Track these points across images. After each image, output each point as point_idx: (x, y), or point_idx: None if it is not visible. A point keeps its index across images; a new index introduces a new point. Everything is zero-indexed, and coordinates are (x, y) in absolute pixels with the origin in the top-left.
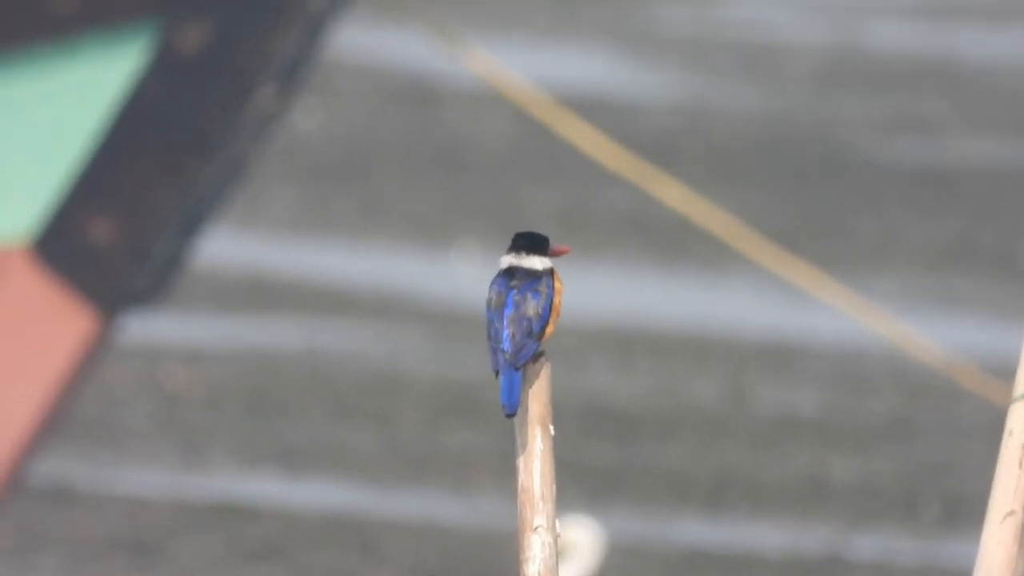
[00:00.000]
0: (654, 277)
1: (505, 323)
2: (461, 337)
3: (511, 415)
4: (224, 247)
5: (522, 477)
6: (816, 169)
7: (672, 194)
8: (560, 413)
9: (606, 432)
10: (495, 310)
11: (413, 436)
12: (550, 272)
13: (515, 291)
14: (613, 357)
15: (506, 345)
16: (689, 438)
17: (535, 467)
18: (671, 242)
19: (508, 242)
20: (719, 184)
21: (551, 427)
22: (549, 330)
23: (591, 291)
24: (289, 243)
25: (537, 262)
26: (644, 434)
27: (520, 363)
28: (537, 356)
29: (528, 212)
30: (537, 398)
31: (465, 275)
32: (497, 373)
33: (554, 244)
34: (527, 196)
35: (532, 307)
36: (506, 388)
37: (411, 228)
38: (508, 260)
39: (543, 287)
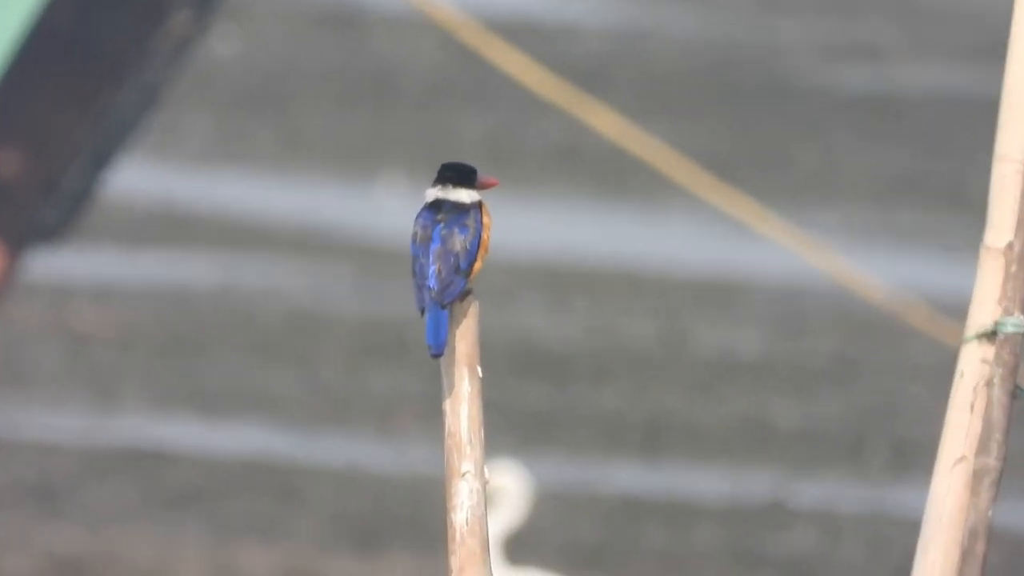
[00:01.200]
0: (588, 211)
1: (431, 259)
2: (385, 273)
3: (437, 356)
4: (136, 179)
5: (449, 421)
6: (757, 96)
7: (606, 123)
8: (489, 354)
9: (537, 374)
10: (420, 245)
11: (336, 377)
12: (478, 205)
13: (441, 225)
14: (545, 295)
15: (432, 282)
16: (624, 380)
17: (462, 410)
18: (605, 174)
19: (434, 174)
20: (656, 112)
21: (479, 369)
22: (477, 266)
23: (522, 226)
24: (205, 175)
25: (464, 195)
26: (577, 376)
27: (447, 301)
28: (465, 294)
29: (456, 142)
30: (464, 338)
31: (390, 208)
32: (423, 311)
33: (482, 176)
34: (455, 125)
35: (459, 242)
36: (432, 327)
37: (333, 159)
38: (434, 193)
39: (471, 221)
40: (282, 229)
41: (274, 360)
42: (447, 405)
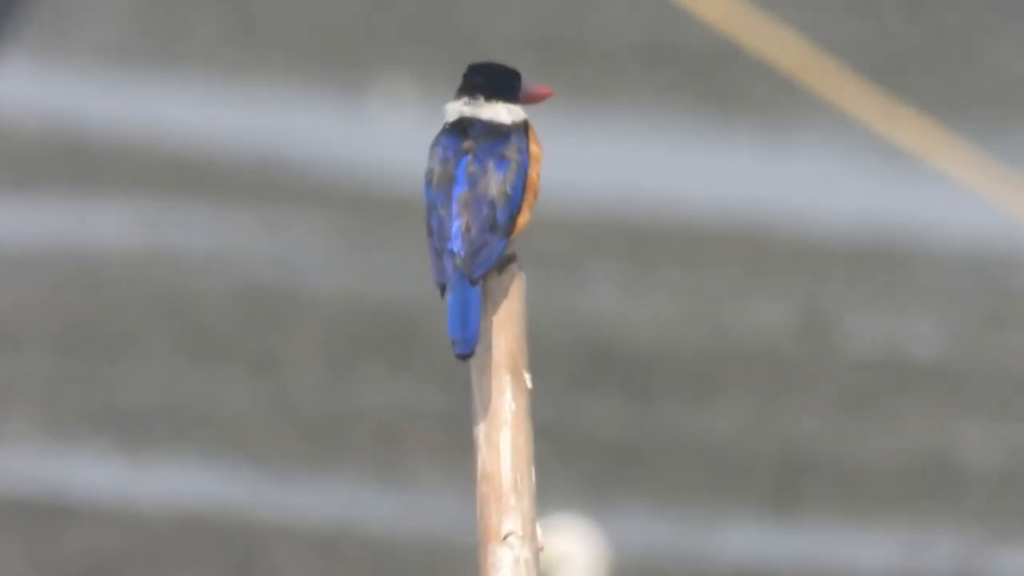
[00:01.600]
0: (683, 137)
1: (454, 209)
2: (383, 231)
3: (465, 356)
4: (21, 90)
5: (483, 456)
6: None
7: (710, 6)
8: (542, 354)
9: (612, 384)
10: (439, 188)
11: (311, 388)
12: (523, 128)
13: (469, 157)
14: (622, 265)
15: (457, 244)
16: (741, 394)
17: (503, 440)
18: (709, 81)
19: (457, 80)
20: None
21: (527, 376)
22: (523, 220)
23: (587, 159)
24: (120, 84)
25: (503, 111)
26: (671, 387)
27: (479, 272)
28: (505, 262)
29: (488, 37)
30: (505, 329)
31: (389, 131)
32: (443, 289)
33: (528, 84)
34: (486, 13)
35: (497, 183)
36: (457, 313)
37: (305, 61)
38: (458, 108)
39: (512, 151)
40: (232, 165)
41: (223, 361)
42: (480, 431)
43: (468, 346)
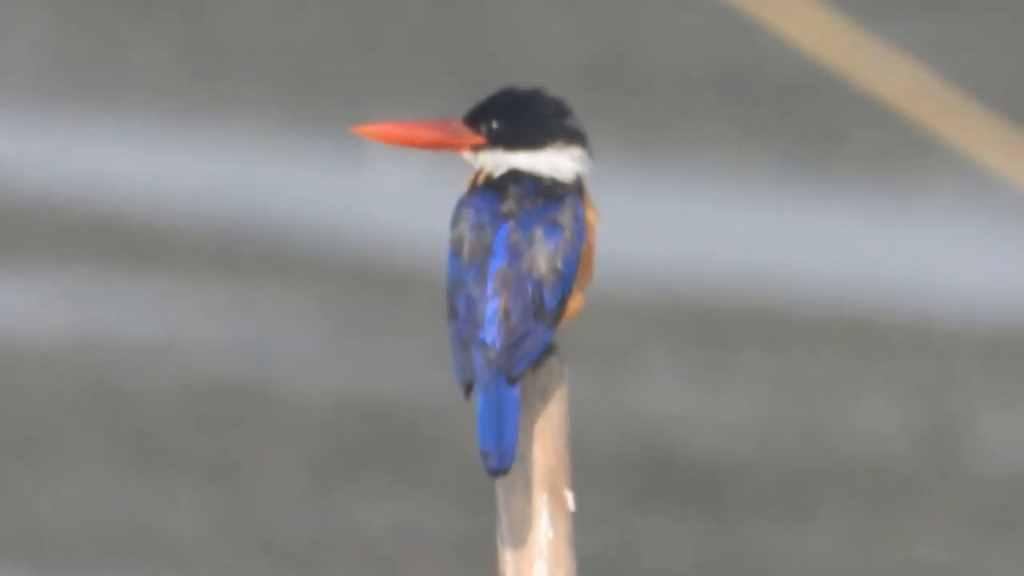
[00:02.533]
0: (771, 190)
1: (491, 287)
2: (379, 313)
3: (500, 472)
4: None
5: None
6: None
7: (806, 29)
8: (588, 466)
9: (680, 503)
10: (471, 261)
11: (285, 504)
12: (579, 186)
13: (512, 223)
14: (693, 354)
15: (491, 333)
16: (843, 514)
17: None
18: (804, 121)
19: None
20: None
21: (570, 496)
22: (575, 304)
23: (647, 220)
24: (37, 127)
25: (561, 161)
26: (754, 505)
27: (519, 369)
28: (546, 354)
29: (521, 59)
30: (543, 439)
31: (392, 185)
32: (468, 388)
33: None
34: (519, 28)
35: (546, 257)
36: (490, 419)
37: (284, 94)
38: (495, 160)
39: (567, 216)
40: (187, 228)
41: (172, 471)
42: (508, 565)
43: (504, 460)
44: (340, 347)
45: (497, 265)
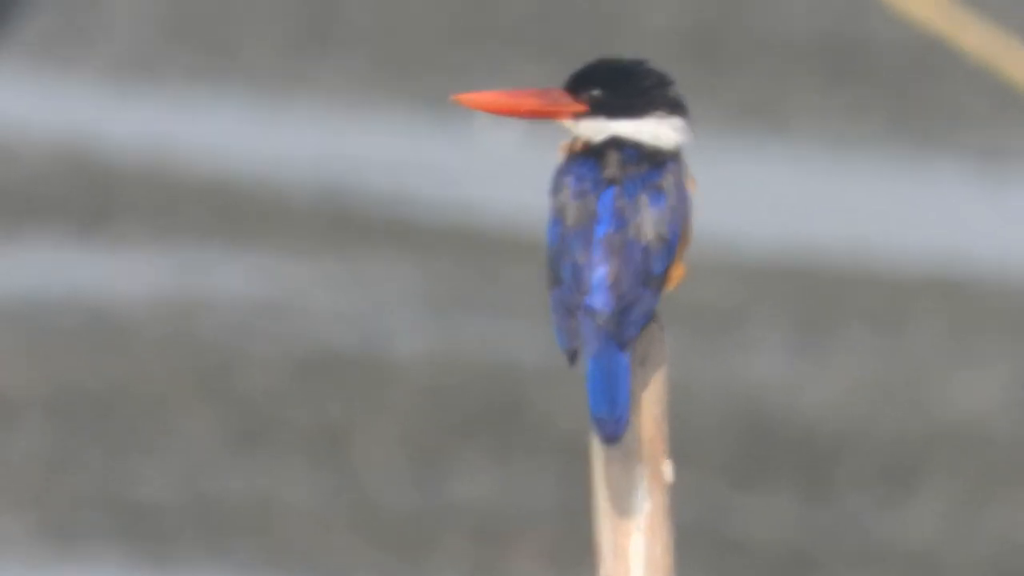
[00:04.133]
0: (878, 161)
1: (598, 254)
2: (481, 283)
3: (615, 439)
4: (20, 105)
5: (608, 568)
6: None
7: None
8: (688, 437)
9: (782, 475)
10: (575, 229)
11: (390, 480)
12: (679, 157)
13: (617, 189)
14: (798, 323)
15: (600, 299)
16: (948, 487)
17: (634, 548)
18: (912, 91)
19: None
20: None
21: (668, 466)
22: (678, 272)
23: (752, 189)
24: (145, 101)
25: (663, 128)
26: (857, 478)
27: (630, 334)
28: (648, 321)
29: (624, 27)
30: (641, 407)
31: (493, 155)
32: (572, 355)
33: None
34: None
35: (653, 223)
36: (602, 385)
37: (386, 67)
38: (596, 127)
39: (669, 183)
40: (290, 198)
41: (277, 446)
42: (605, 536)
43: (619, 427)
44: (442, 316)
45: (604, 231)
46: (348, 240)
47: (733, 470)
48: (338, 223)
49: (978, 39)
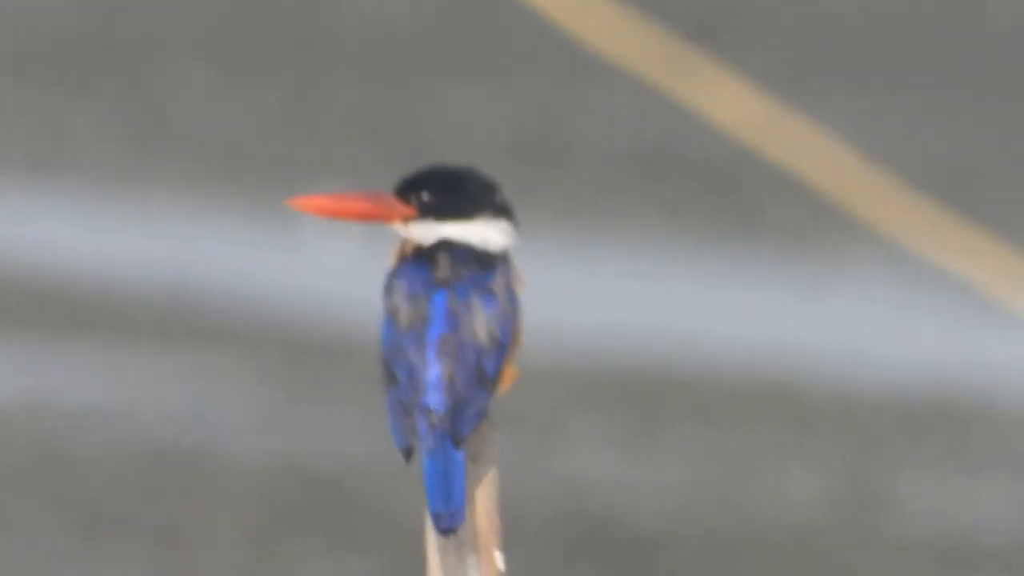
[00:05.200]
0: (696, 264)
1: (432, 355)
2: (314, 380)
3: (451, 531)
4: None
5: None
6: (995, 65)
7: (728, 109)
8: (518, 530)
9: (608, 568)
10: (409, 330)
11: (227, 568)
12: (507, 259)
13: (449, 292)
14: (620, 422)
15: (435, 399)
16: (764, 573)
17: None
18: (727, 198)
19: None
20: (814, 87)
21: (499, 557)
22: (510, 372)
23: (575, 291)
24: None
25: (490, 232)
26: (679, 572)
27: (463, 434)
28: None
29: (451, 136)
30: (473, 501)
31: (326, 257)
32: (408, 453)
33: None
34: (449, 106)
35: (484, 324)
36: (438, 482)
37: (222, 167)
38: (428, 231)
39: (500, 285)
40: (128, 298)
41: (117, 537)
42: None
43: (455, 520)
44: (277, 414)
45: (437, 333)
46: (184, 339)
47: (564, 562)
48: (174, 322)
49: (789, 146)
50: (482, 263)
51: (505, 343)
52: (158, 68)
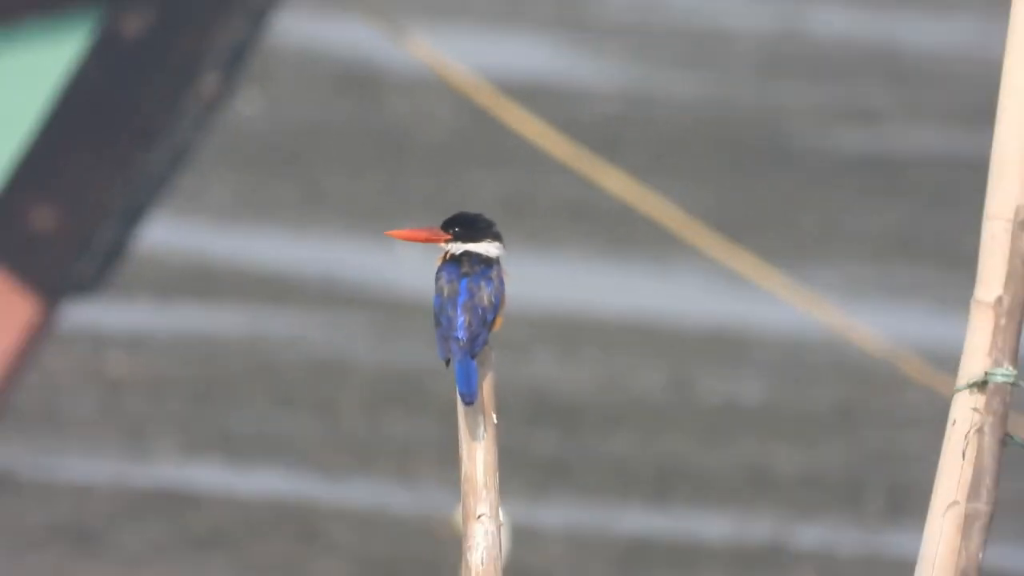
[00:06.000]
0: (600, 267)
1: (459, 311)
2: (403, 325)
3: (471, 403)
4: (166, 234)
5: (465, 466)
6: (759, 158)
7: (616, 183)
8: (504, 403)
9: (550, 422)
10: (448, 298)
11: (356, 424)
12: (498, 261)
13: (468, 279)
14: (558, 347)
15: (461, 333)
16: (634, 428)
17: (478, 456)
18: (616, 231)
19: (449, 226)
20: (663, 172)
21: (494, 415)
22: (499, 321)
23: (536, 280)
24: (231, 230)
25: (491, 248)
26: (588, 424)
27: (476, 351)
28: (485, 345)
29: (472, 200)
30: (483, 386)
31: (408, 263)
32: (447, 362)
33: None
34: (471, 184)
35: (486, 295)
36: (463, 376)
37: (353, 216)
38: (456, 246)
39: (495, 275)
40: (305, 282)
41: (298, 407)
42: (463, 450)
43: (473, 397)
44: (388, 340)
45: (462, 300)
46: (329, 304)
47: (524, 420)
48: (318, 294)
49: (652, 205)
50: (486, 263)
51: (498, 305)
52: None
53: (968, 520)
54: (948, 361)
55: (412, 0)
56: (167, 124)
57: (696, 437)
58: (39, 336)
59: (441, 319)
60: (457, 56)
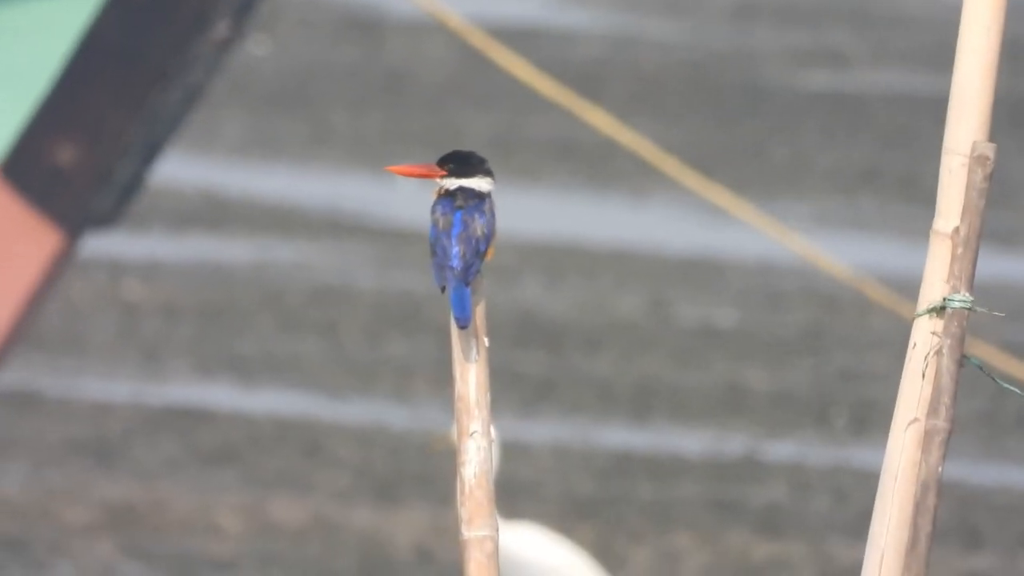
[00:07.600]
0: (582, 199)
1: (454, 241)
2: (403, 254)
3: (465, 327)
4: (180, 169)
5: (458, 386)
6: (734, 97)
7: (599, 121)
8: (494, 326)
9: (537, 344)
10: (443, 230)
11: (358, 346)
12: (490, 195)
13: (463, 211)
14: (544, 274)
15: (455, 262)
16: (615, 349)
17: (471, 376)
18: (598, 166)
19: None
20: (644, 111)
21: (485, 339)
22: (491, 250)
23: (523, 212)
24: (240, 165)
25: (483, 183)
26: (572, 345)
27: (469, 279)
28: (477, 273)
29: (464, 137)
30: (475, 312)
31: (406, 196)
32: (443, 289)
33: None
34: (463, 122)
35: (479, 227)
36: (458, 303)
37: (356, 152)
38: (453, 181)
39: (487, 208)
40: (310, 214)
41: (303, 330)
42: (457, 371)
43: (467, 321)
44: (388, 268)
45: (457, 231)
46: (334, 234)
47: (510, 344)
48: (324, 223)
49: (634, 142)
50: (478, 197)
51: (489, 236)
52: None
53: (928, 436)
54: (909, 288)
55: None
56: (181, 67)
57: (673, 358)
58: (61, 265)
59: (437, 249)
60: (454, 2)
